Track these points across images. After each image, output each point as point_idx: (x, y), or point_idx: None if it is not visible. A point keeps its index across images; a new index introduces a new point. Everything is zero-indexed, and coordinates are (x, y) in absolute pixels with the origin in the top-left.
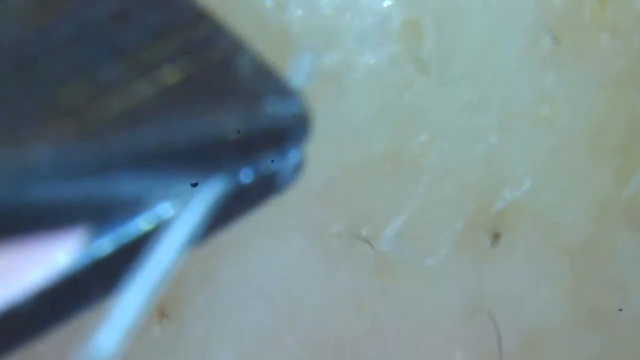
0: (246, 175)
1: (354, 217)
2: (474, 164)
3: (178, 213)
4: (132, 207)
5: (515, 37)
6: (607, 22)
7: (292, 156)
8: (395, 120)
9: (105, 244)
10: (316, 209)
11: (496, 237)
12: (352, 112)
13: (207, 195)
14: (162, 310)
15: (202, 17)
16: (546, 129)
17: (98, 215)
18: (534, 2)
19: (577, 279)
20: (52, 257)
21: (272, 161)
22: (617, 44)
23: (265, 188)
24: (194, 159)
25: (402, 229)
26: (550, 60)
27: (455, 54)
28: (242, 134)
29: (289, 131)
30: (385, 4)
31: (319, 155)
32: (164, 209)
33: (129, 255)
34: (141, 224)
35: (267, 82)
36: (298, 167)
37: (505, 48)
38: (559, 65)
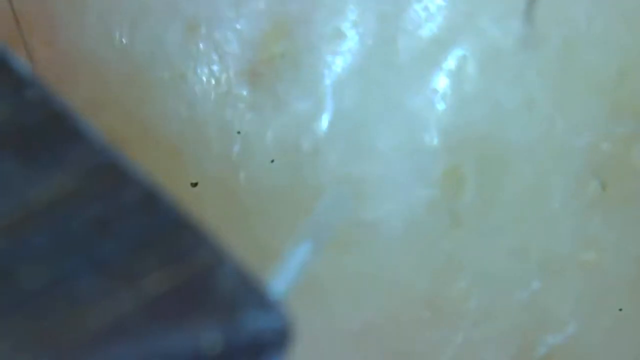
0: None
1: None
2: (515, 309)
3: None
4: None
5: (561, 183)
6: None
7: None
8: (433, 267)
9: None
10: (354, 354)
11: None
12: (390, 259)
13: None
14: None
15: (184, 225)
16: (590, 273)
17: None
18: (581, 148)
19: None
20: None
21: None
22: None
23: None
24: None
25: None
26: (596, 205)
27: (495, 202)
28: (221, 348)
29: (269, 345)
30: (427, 151)
31: (358, 300)
32: None
33: None
34: None
35: (248, 294)
36: None
37: (549, 194)
38: (605, 210)
